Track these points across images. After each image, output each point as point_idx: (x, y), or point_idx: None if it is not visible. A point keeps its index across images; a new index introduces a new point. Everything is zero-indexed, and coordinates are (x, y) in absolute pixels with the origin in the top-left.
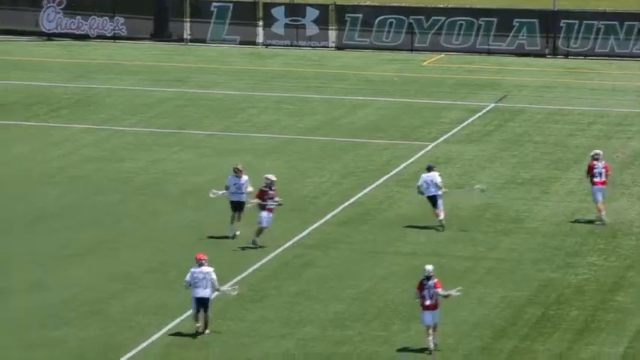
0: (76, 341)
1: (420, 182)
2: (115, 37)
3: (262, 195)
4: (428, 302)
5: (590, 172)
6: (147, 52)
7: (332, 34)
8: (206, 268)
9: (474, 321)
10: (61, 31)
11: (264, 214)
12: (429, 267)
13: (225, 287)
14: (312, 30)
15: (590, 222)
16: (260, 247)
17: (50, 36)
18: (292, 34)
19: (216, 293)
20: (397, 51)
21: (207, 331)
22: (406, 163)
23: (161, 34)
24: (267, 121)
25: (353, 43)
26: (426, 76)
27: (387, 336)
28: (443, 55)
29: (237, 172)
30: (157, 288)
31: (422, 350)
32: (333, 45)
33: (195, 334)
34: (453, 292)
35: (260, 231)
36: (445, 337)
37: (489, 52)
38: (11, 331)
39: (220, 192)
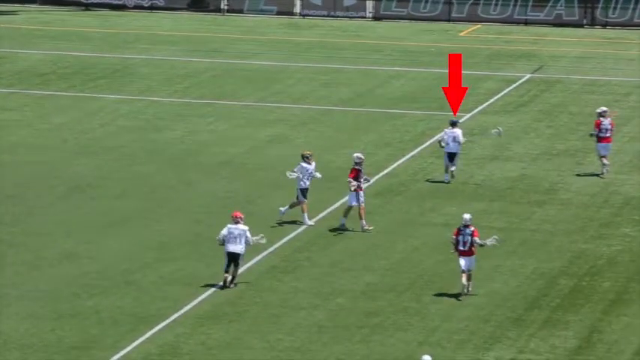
0: (109, 311)
1: (442, 136)
2: (153, 8)
3: (356, 174)
4: (461, 248)
5: (597, 128)
6: (184, 22)
7: (369, 5)
8: (242, 226)
9: (507, 292)
10: (99, 1)
11: (355, 193)
12: (467, 215)
13: (253, 238)
14: (349, 0)
15: (624, 194)
16: (366, 230)
17: (88, 6)
18: (329, 4)
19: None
20: (434, 21)
21: (232, 285)
22: (441, 134)
23: (198, 4)
24: (303, 92)
25: (390, 13)
26: (462, 47)
27: (419, 307)
28: (480, 25)
29: (308, 159)
30: (190, 259)
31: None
32: (371, 15)
33: (223, 286)
34: (488, 242)
35: (349, 210)
36: (477, 309)
37: (527, 23)
38: (45, 301)
39: (294, 174)
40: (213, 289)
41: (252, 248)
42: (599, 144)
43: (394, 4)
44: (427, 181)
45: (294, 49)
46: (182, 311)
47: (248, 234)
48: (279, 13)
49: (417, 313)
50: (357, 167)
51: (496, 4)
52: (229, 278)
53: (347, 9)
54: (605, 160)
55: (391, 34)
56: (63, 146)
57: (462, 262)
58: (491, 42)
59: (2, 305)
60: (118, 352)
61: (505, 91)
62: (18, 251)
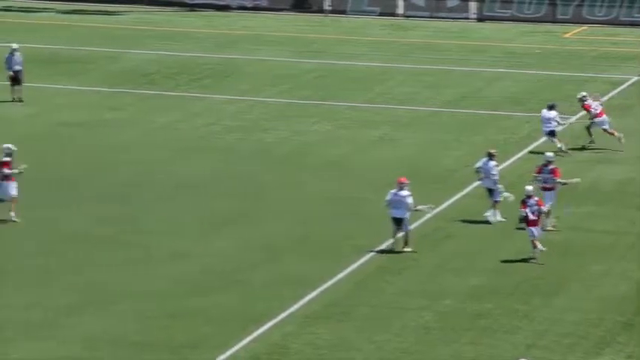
0: (216, 310)
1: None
2: (256, 8)
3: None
4: (532, 217)
5: (588, 110)
6: (287, 23)
7: (473, 6)
8: (404, 192)
9: (616, 296)
10: (204, 2)
11: (547, 193)
12: (530, 187)
13: (421, 207)
14: (452, 1)
15: None
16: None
17: (193, 7)
18: (432, 5)
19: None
20: (539, 23)
21: (407, 249)
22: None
23: (301, 5)
24: (407, 93)
25: (494, 14)
26: (567, 49)
27: (527, 310)
28: (585, 27)
29: (493, 157)
30: (297, 259)
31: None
32: (474, 16)
33: (391, 250)
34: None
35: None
36: (587, 313)
37: (633, 24)
38: (154, 299)
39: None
40: (319, 290)
41: (358, 249)
42: (597, 119)
43: (498, 5)
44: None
45: (397, 50)
46: (289, 311)
47: (409, 200)
48: (381, 14)
49: (525, 316)
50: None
51: (601, 6)
52: (400, 246)
53: (450, 10)
54: (615, 133)
55: (495, 35)
56: (169, 145)
57: (532, 231)
58: (596, 44)
59: (112, 303)
60: (226, 351)
61: (611, 94)
62: (128, 250)
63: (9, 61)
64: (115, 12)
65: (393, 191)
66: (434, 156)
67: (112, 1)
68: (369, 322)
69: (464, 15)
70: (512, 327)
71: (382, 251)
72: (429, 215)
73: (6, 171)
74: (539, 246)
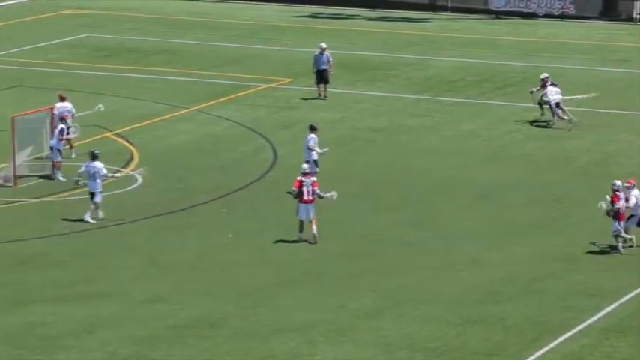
0: (513, 319)
1: None
2: (563, 16)
3: None
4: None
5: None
6: (593, 31)
7: None
8: (635, 192)
9: None
10: (510, 10)
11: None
12: (618, 182)
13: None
14: None
15: None
16: None
17: (498, 14)
18: None
19: None
20: None
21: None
22: None
23: (610, 12)
24: None
25: None
26: None
27: None
28: None
29: None
30: (596, 270)
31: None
32: None
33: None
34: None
35: None
36: None
37: None
38: (448, 306)
39: None
40: (617, 303)
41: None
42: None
43: None
44: None
45: None
46: (586, 323)
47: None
48: None
49: None
50: None
51: None
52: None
53: None
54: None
55: None
56: (472, 153)
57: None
58: None
59: (409, 308)
60: None
61: None
62: (426, 255)
63: (317, 60)
64: (420, 19)
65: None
66: None
67: (418, 8)
68: None
69: None
70: None
71: None
72: None
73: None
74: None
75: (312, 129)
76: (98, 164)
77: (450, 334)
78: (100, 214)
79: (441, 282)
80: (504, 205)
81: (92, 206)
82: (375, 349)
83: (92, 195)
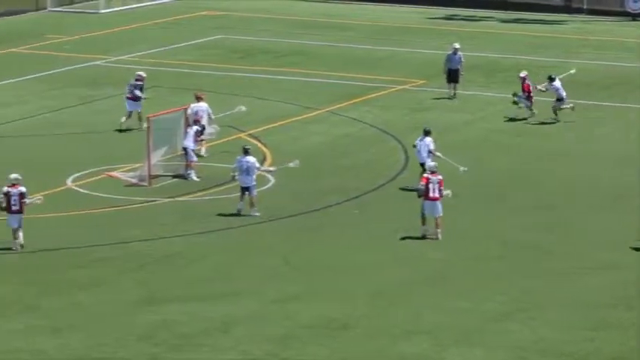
0: None
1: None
2: None
3: None
4: None
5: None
6: None
7: None
8: None
9: None
10: None
11: None
12: None
13: None
14: None
15: None
16: None
17: (635, 16)
18: None
19: None
20: None
21: None
22: None
23: None
24: None
25: None
26: None
27: None
28: None
29: None
30: None
31: None
32: None
33: None
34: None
35: None
36: None
37: None
38: (579, 310)
39: None
40: None
41: None
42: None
43: None
44: None
45: None
46: None
47: None
48: None
49: None
50: None
51: None
52: None
53: None
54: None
55: None
56: (606, 156)
57: None
58: None
59: (540, 311)
60: None
61: None
62: (554, 259)
63: (450, 59)
64: (554, 21)
65: None
66: None
67: (553, 10)
68: None
69: None
70: None
71: None
72: None
73: None
74: None
75: (428, 133)
76: (251, 158)
77: (583, 339)
78: (256, 212)
79: (571, 285)
80: (638, 208)
81: (241, 202)
82: (506, 353)
83: (244, 190)
